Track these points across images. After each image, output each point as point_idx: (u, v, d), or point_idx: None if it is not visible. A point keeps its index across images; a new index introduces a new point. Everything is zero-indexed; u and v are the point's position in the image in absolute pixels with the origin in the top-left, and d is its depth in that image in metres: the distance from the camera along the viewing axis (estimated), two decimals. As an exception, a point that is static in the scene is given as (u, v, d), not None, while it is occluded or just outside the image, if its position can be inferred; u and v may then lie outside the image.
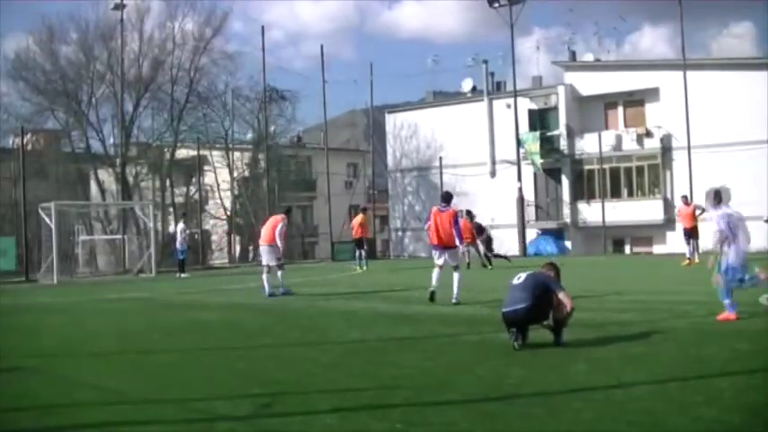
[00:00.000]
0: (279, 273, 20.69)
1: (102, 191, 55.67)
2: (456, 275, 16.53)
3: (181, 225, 34.27)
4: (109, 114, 55.80)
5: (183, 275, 31.90)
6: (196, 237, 46.98)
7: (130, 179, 53.84)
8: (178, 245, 32.97)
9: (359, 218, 32.68)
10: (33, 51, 55.69)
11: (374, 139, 61.03)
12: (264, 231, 21.16)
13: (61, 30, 55.97)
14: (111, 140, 55.72)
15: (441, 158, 51.67)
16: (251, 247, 56.64)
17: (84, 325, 16.24)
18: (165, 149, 56.87)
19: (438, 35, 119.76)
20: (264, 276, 20.59)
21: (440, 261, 16.77)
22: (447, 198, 17.44)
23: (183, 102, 56.82)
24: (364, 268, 31.46)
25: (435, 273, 16.68)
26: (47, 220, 33.52)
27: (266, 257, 20.93)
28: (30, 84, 54.99)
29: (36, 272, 34.43)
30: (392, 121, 58.75)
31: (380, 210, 61.27)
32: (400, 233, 58.12)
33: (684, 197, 29.77)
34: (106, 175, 55.43)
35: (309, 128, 66.41)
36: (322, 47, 56.34)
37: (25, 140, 45.38)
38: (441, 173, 51.22)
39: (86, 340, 13.36)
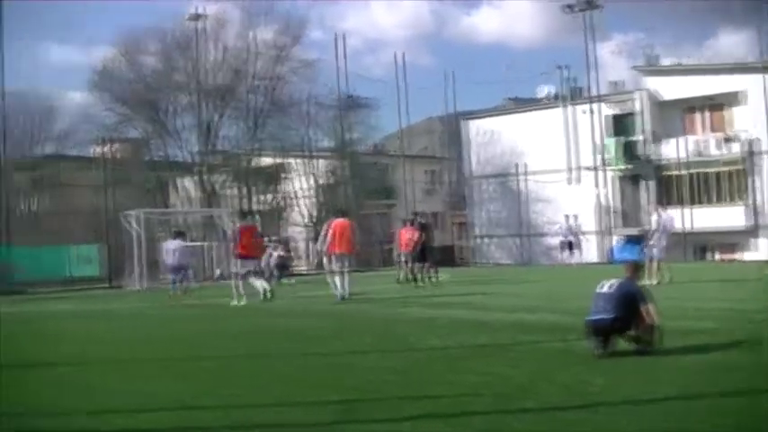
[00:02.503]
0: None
1: (186, 198, 56.31)
2: None
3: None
4: (191, 123, 56.44)
5: (283, 281, 31.30)
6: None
7: (213, 187, 54.38)
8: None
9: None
10: (118, 62, 56.64)
11: (453, 146, 60.84)
12: (341, 238, 21.29)
13: (144, 41, 56.82)
14: (195, 149, 56.31)
15: (516, 165, 51.38)
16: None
17: (164, 330, 16.46)
18: (246, 158, 57.30)
19: (515, 40, 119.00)
20: (338, 282, 20.94)
21: None
22: None
23: (263, 110, 57.18)
24: (422, 284, 27.65)
25: None
26: (129, 227, 34.07)
27: (341, 263, 21.21)
28: (114, 94, 55.87)
29: (120, 278, 34.98)
30: (470, 128, 58.46)
31: (460, 217, 61.00)
32: (479, 240, 57.80)
33: None
34: (189, 183, 56.05)
35: (389, 135, 66.41)
36: (403, 54, 56.07)
37: (110, 150, 46.22)
38: (518, 180, 50.92)
39: (154, 346, 13.46)
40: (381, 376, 9.36)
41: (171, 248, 30.29)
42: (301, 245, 58.66)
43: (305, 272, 47.31)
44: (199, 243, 42.07)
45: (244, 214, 23.90)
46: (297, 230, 59.05)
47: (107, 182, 38.72)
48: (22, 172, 56.68)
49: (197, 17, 48.75)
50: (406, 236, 28.21)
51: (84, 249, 42.55)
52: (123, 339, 14.78)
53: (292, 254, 43.58)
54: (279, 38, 57.65)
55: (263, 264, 31.67)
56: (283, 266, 31.65)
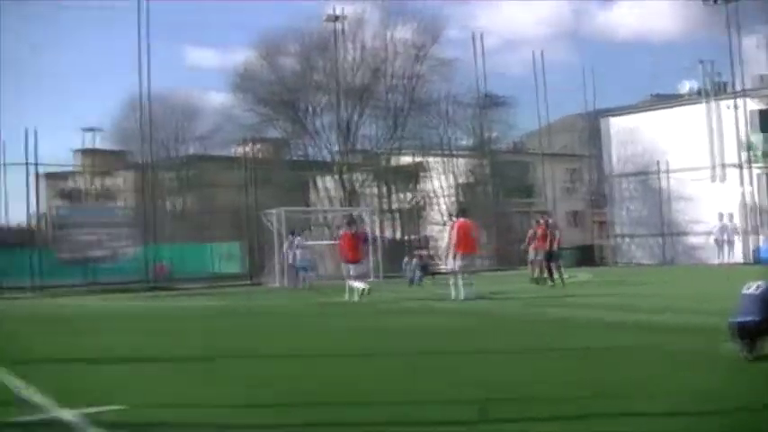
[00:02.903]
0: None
1: (327, 197, 56.88)
2: None
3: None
4: (330, 123, 56.98)
5: (425, 282, 31.17)
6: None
7: (352, 186, 54.81)
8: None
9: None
10: (257, 64, 57.63)
11: (592, 143, 59.88)
12: (465, 238, 21.46)
13: (283, 42, 57.64)
14: (334, 148, 56.84)
15: (658, 163, 50.18)
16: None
17: (300, 327, 16.63)
18: (386, 156, 57.55)
19: (656, 35, 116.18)
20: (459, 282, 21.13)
21: None
22: None
23: (402, 109, 57.36)
24: (549, 284, 27.45)
25: None
26: (269, 225, 34.59)
27: (466, 263, 21.55)
28: (254, 95, 56.91)
29: (260, 275, 35.55)
30: (610, 125, 57.32)
31: (601, 216, 59.96)
32: (619, 239, 56.61)
33: None
34: (329, 182, 56.59)
35: (528, 133, 65.74)
36: (541, 52, 55.40)
37: (251, 149, 47.07)
38: (659, 178, 49.76)
39: (307, 342, 13.60)
40: (516, 376, 9.17)
41: (292, 247, 31.13)
42: (441, 244, 58.60)
43: (444, 270, 47.21)
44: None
45: (350, 222, 24.29)
46: (436, 229, 58.98)
47: (249, 181, 39.40)
48: (167, 172, 58.31)
49: (335, 18, 49.13)
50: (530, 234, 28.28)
51: (226, 247, 43.48)
52: (277, 333, 15.01)
53: (431, 253, 43.49)
54: (417, 37, 57.69)
55: (404, 267, 31.85)
56: (424, 267, 31.60)
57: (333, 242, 44.93)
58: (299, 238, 33.44)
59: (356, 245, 23.28)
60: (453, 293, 21.22)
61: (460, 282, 21.21)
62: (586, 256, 49.99)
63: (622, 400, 7.50)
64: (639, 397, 7.62)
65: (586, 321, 15.12)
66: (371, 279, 34.66)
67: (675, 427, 6.62)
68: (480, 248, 22.90)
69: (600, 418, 6.88)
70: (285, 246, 33.67)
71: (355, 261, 23.12)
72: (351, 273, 23.05)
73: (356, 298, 22.20)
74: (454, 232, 21.66)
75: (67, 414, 7.46)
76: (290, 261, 33.19)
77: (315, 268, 34.20)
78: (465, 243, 21.43)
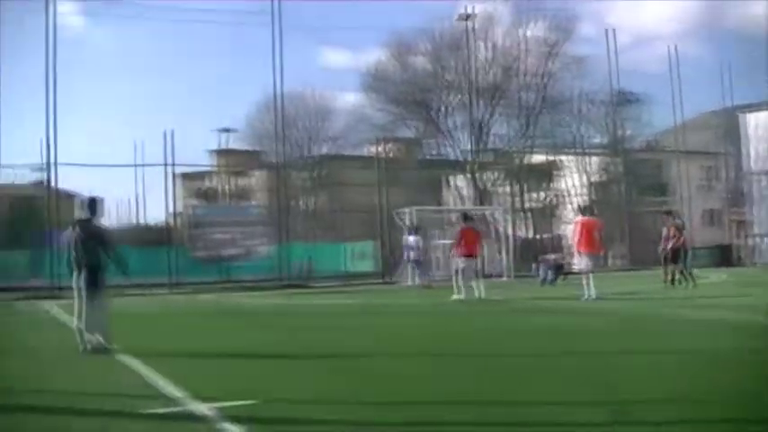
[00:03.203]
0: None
1: (459, 196, 56.79)
2: None
3: None
4: (462, 122, 56.85)
5: (559, 282, 30.73)
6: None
7: (485, 185, 54.61)
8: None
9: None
10: (389, 64, 57.93)
11: (729, 140, 58.31)
12: (588, 237, 21.38)
13: (413, 42, 57.78)
14: (466, 147, 56.68)
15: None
16: (607, 253, 55.58)
17: (438, 326, 16.58)
18: (518, 155, 57.16)
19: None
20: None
21: None
22: None
23: (534, 107, 56.92)
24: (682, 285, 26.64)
25: None
26: (402, 224, 34.69)
27: (589, 263, 21.45)
28: (386, 95, 57.21)
29: (393, 274, 35.69)
30: (748, 121, 55.68)
31: (739, 215, 58.30)
32: (758, 239, 54.88)
33: None
34: (461, 181, 56.50)
35: (663, 131, 64.39)
36: (675, 47, 54.16)
37: (383, 149, 47.32)
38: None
39: (439, 341, 13.55)
40: (649, 378, 8.95)
41: (410, 244, 31.21)
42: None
43: (576, 270, 46.60)
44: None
45: (466, 217, 24.26)
46: (569, 228, 58.27)
47: (381, 180, 39.59)
48: (300, 171, 59.06)
49: (467, 16, 48.98)
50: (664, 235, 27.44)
51: (359, 246, 43.75)
52: (417, 334, 15.03)
53: (564, 252, 42.89)
54: (549, 34, 57.18)
55: (536, 266, 31.51)
56: (558, 267, 31.18)
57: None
58: (412, 236, 33.52)
59: (470, 240, 23.12)
60: (586, 293, 20.93)
61: (591, 281, 20.97)
62: (723, 256, 48.64)
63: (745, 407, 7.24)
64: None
65: (716, 323, 14.66)
66: (504, 278, 34.57)
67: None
68: (603, 247, 22.39)
69: (726, 424, 6.71)
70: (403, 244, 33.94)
71: (467, 256, 22.98)
72: (461, 267, 23.07)
73: (461, 296, 22.26)
74: (577, 231, 21.75)
75: (201, 407, 7.57)
76: (406, 259, 33.39)
77: (428, 267, 34.13)
78: (588, 242, 21.38)
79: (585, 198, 56.78)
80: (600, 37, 52.06)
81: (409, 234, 33.29)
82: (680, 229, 27.02)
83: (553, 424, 6.92)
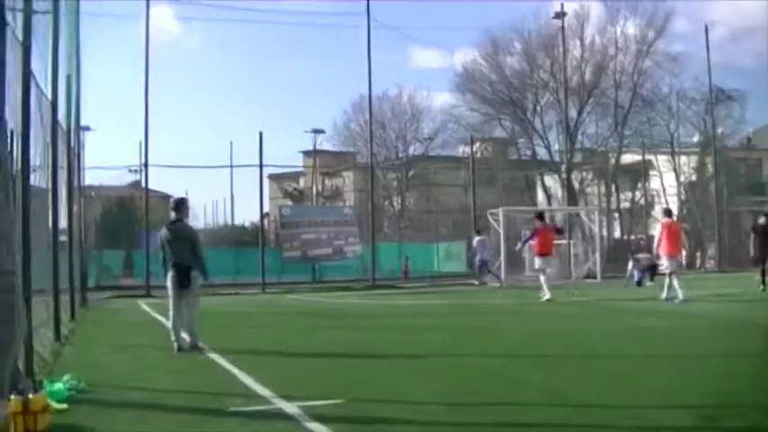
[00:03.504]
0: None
1: (549, 196, 56.43)
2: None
3: None
4: (553, 121, 56.49)
5: (649, 284, 30.31)
6: (641, 242, 46.19)
7: (576, 184, 54.13)
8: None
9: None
10: (480, 64, 57.84)
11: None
12: (670, 239, 21.41)
13: (505, 41, 57.60)
14: (556, 147, 56.31)
15: None
16: (698, 253, 54.78)
17: (529, 327, 16.47)
18: (610, 155, 56.56)
19: None
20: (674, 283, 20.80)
21: None
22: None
23: (627, 106, 56.22)
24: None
25: None
26: (494, 224, 34.60)
27: (672, 264, 21.49)
28: (477, 95, 57.21)
29: (483, 274, 35.57)
30: None
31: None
32: None
33: None
34: (552, 181, 56.12)
35: (760, 128, 63.03)
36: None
37: (474, 149, 47.20)
38: None
39: (531, 342, 13.45)
40: (752, 384, 8.75)
41: (477, 245, 31.60)
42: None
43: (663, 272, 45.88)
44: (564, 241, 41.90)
45: (540, 216, 24.58)
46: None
47: (473, 180, 39.49)
48: (391, 172, 59.27)
49: (561, 14, 48.59)
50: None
51: (451, 246, 43.72)
52: (514, 334, 15.00)
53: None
54: (642, 31, 56.47)
55: (629, 268, 31.03)
56: (651, 267, 30.68)
57: (555, 242, 44.65)
58: (478, 237, 33.73)
59: (545, 239, 23.70)
60: (665, 294, 21.12)
61: (675, 282, 20.94)
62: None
63: None
64: None
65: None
66: (596, 279, 34.21)
67: None
68: (681, 250, 22.54)
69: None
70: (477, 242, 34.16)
71: (543, 254, 23.61)
72: (539, 266, 23.70)
73: (547, 296, 22.36)
74: (661, 233, 21.79)
75: (287, 406, 7.65)
76: (482, 257, 33.59)
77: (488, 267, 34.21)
78: (670, 243, 21.42)
79: (675, 198, 55.95)
80: (695, 33, 51.10)
81: (477, 234, 33.80)
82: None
83: (632, 428, 6.85)
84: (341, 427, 6.87)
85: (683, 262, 32.01)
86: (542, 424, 6.98)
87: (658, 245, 21.83)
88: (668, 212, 23.75)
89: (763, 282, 23.78)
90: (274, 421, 7.26)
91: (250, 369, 9.89)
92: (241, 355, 11.58)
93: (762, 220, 24.29)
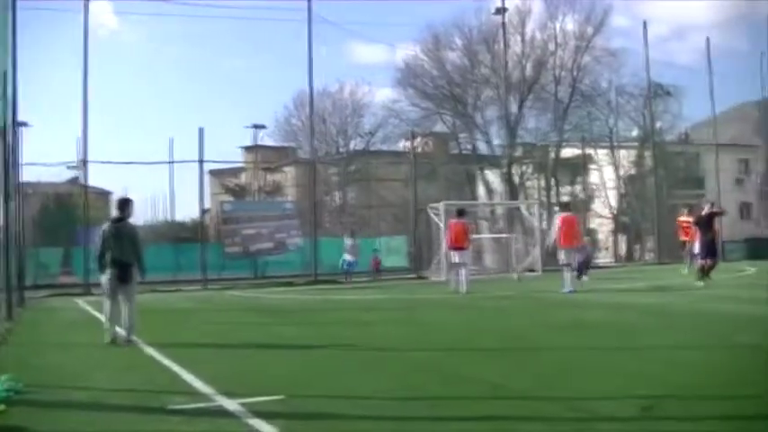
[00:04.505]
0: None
1: (489, 190, 56.69)
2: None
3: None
4: (494, 116, 56.67)
5: (585, 278, 30.71)
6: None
7: (516, 179, 54.45)
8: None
9: (685, 218, 30.35)
10: (421, 59, 57.90)
11: (766, 132, 57.73)
12: (573, 233, 22.72)
13: (446, 37, 57.71)
14: (497, 141, 56.54)
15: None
16: (637, 246, 55.51)
17: (470, 321, 16.59)
18: (550, 149, 56.97)
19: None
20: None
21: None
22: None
23: (567, 101, 56.68)
24: (685, 271, 28.57)
25: None
26: (435, 219, 34.72)
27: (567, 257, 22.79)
28: (418, 90, 57.24)
29: (425, 269, 35.74)
30: (785, 113, 55.09)
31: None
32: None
33: None
34: (493, 176, 56.39)
35: (697, 123, 63.87)
36: (707, 39, 53.69)
37: (415, 143, 47.29)
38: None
39: (472, 336, 13.56)
40: (689, 374, 8.94)
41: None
42: (605, 237, 57.72)
43: (610, 264, 46.45)
44: (504, 235, 42.20)
45: (460, 212, 25.45)
46: (602, 222, 58.12)
47: (414, 175, 39.57)
48: (332, 167, 59.16)
49: (501, 11, 48.78)
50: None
51: (392, 241, 43.77)
52: (455, 329, 15.07)
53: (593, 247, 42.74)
54: (581, 27, 56.95)
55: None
56: (585, 261, 31.00)
57: (495, 236, 44.95)
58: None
59: (456, 234, 24.27)
60: (565, 286, 22.04)
61: (567, 275, 22.25)
62: (759, 249, 48.18)
63: None
64: None
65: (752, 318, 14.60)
66: (535, 272, 34.48)
67: None
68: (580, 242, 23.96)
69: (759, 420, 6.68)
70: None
71: (454, 249, 24.32)
72: (456, 260, 24.38)
73: (463, 288, 23.22)
74: (560, 227, 22.62)
75: (230, 403, 7.64)
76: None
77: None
78: (568, 237, 22.38)
79: (615, 192, 56.60)
80: (634, 29, 51.61)
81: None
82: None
83: (570, 419, 6.93)
84: (284, 424, 6.86)
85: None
86: (485, 417, 7.04)
87: (557, 238, 22.66)
88: (565, 206, 24.68)
89: (703, 275, 23.66)
90: (216, 419, 7.24)
91: (192, 366, 9.85)
92: (183, 352, 11.53)
93: (705, 211, 24.19)
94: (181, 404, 7.74)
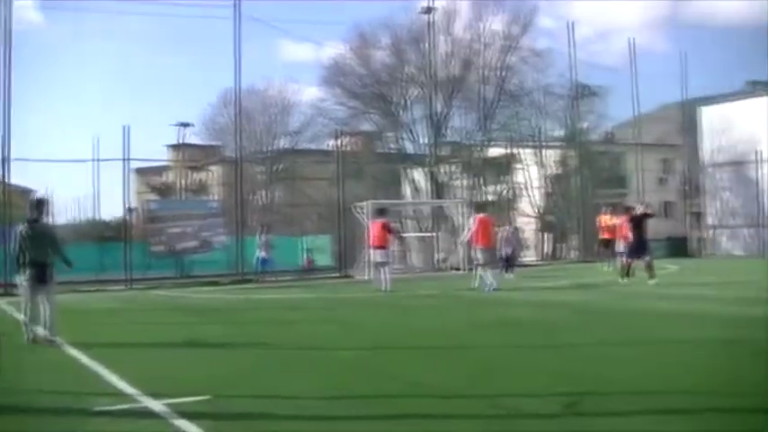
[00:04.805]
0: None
1: (416, 189, 56.86)
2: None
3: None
4: (421, 115, 56.84)
5: (507, 275, 30.94)
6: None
7: (442, 178, 54.66)
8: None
9: (607, 218, 31.41)
10: (348, 58, 57.84)
11: (687, 133, 58.76)
12: (488, 233, 23.55)
13: (374, 36, 57.78)
14: (424, 140, 56.70)
15: (758, 152, 48.92)
16: (562, 245, 56.16)
17: (396, 320, 16.62)
18: (476, 148, 57.31)
19: (756, 20, 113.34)
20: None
21: None
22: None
23: (493, 100, 57.05)
24: (608, 269, 29.73)
25: None
26: (360, 218, 34.75)
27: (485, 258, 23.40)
28: (345, 89, 57.16)
29: (351, 268, 35.73)
30: (706, 114, 56.14)
31: (695, 206, 58.71)
32: (715, 231, 55.42)
33: None
34: (419, 175, 56.57)
35: (621, 123, 64.75)
36: (632, 40, 54.46)
37: (342, 143, 47.24)
38: (758, 167, 48.64)
39: (397, 334, 13.61)
40: (611, 369, 9.10)
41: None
42: (530, 235, 58.26)
43: (535, 262, 46.90)
44: (429, 234, 42.39)
45: (380, 211, 26.74)
46: (528, 221, 58.63)
47: (340, 174, 39.53)
48: (258, 165, 58.91)
49: (429, 10, 48.96)
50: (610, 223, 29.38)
51: (318, 240, 43.67)
52: (379, 327, 15.11)
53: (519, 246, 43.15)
54: (508, 27, 57.39)
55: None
56: (508, 259, 31.32)
57: (420, 235, 45.15)
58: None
59: (375, 233, 25.00)
60: (478, 284, 22.82)
61: (481, 272, 22.93)
62: (679, 247, 49.08)
63: (704, 397, 7.38)
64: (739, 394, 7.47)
65: (684, 314, 14.84)
66: (460, 271, 34.69)
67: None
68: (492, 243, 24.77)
69: (682, 415, 6.83)
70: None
71: (376, 248, 25.00)
72: (378, 259, 25.01)
73: (385, 286, 23.70)
74: (474, 227, 23.31)
75: (155, 404, 7.58)
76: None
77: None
78: (484, 237, 23.08)
79: (543, 191, 57.18)
80: (560, 30, 52.22)
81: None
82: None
83: (495, 417, 7.02)
84: (209, 424, 6.84)
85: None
86: (411, 415, 7.09)
87: (472, 238, 23.37)
88: (481, 208, 25.25)
89: (627, 274, 24.00)
90: (141, 420, 7.19)
91: (116, 367, 9.74)
92: (107, 352, 11.42)
93: (639, 211, 24.21)
94: (105, 405, 7.66)
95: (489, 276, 22.67)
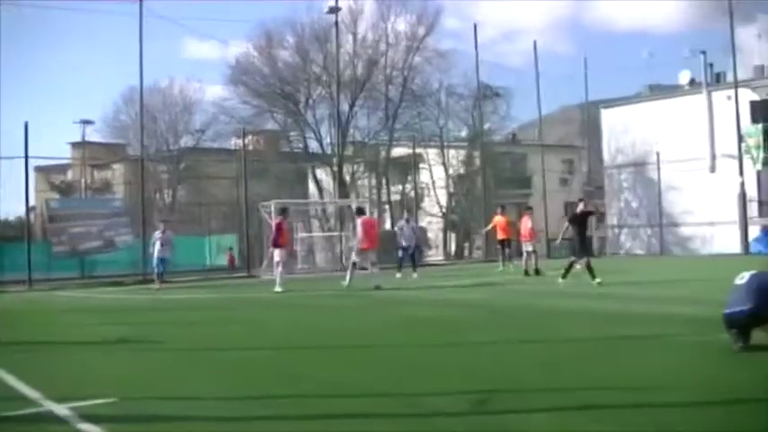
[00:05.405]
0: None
1: (320, 189, 56.86)
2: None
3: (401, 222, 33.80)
4: (325, 114, 56.89)
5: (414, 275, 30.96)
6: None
7: (347, 177, 54.74)
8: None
9: (502, 219, 32.19)
10: (253, 57, 57.53)
11: (590, 134, 59.88)
12: (370, 235, 24.38)
13: (278, 35, 57.55)
14: (328, 140, 56.77)
15: (658, 154, 50.03)
16: (466, 244, 56.72)
17: (304, 319, 16.61)
18: (381, 148, 57.54)
19: (655, 26, 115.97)
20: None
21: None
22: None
23: (398, 100, 57.30)
24: (503, 268, 31.22)
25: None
26: (266, 217, 34.62)
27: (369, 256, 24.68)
28: (250, 87, 56.80)
29: (257, 268, 35.59)
30: (607, 116, 57.26)
31: (597, 207, 59.75)
32: (616, 230, 56.57)
33: None
34: (324, 174, 56.58)
35: (524, 124, 65.70)
36: (535, 42, 55.39)
37: (246, 142, 47.02)
38: (658, 168, 49.75)
39: (307, 334, 13.59)
40: (520, 367, 9.23)
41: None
42: (435, 235, 58.72)
43: (440, 262, 47.25)
44: (335, 233, 42.42)
45: (282, 211, 27.01)
46: (433, 221, 59.08)
47: (244, 173, 39.33)
48: (162, 164, 58.28)
49: (334, 10, 49.00)
50: (528, 225, 29.58)
51: (222, 239, 43.44)
52: (284, 327, 15.08)
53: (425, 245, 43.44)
54: (413, 28, 57.70)
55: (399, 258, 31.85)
56: (412, 257, 31.49)
57: (326, 234, 45.17)
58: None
59: (278, 232, 25.29)
60: (347, 282, 24.04)
61: (350, 272, 24.40)
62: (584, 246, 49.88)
63: (615, 392, 7.54)
64: (642, 389, 7.63)
65: (589, 313, 15.10)
66: (366, 270, 34.79)
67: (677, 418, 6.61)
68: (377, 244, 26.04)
69: (601, 410, 6.94)
70: None
71: (276, 247, 25.37)
72: (276, 258, 25.48)
73: (278, 288, 24.02)
74: (361, 230, 24.31)
75: (58, 408, 7.45)
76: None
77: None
78: (367, 239, 24.14)
79: (444, 191, 57.66)
80: (465, 31, 52.72)
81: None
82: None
83: (407, 415, 7.04)
84: (114, 428, 6.75)
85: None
86: (324, 415, 7.08)
87: (358, 240, 24.39)
88: (361, 211, 25.69)
89: (566, 274, 22.59)
90: (44, 425, 7.03)
91: (17, 370, 9.52)
92: (8, 355, 11.17)
93: (578, 209, 23.16)
94: (5, 411, 7.46)
95: (349, 275, 24.27)
